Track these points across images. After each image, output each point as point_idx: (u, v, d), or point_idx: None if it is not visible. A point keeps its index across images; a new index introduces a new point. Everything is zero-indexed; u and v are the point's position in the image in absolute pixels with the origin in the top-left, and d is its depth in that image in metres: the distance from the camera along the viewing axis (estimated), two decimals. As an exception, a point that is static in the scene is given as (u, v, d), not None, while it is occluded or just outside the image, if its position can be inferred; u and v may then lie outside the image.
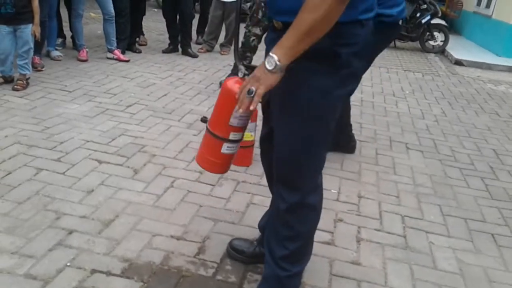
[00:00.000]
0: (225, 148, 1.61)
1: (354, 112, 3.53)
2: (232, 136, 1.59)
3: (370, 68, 3.04)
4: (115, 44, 5.29)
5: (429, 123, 4.27)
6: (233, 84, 1.52)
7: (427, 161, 3.38)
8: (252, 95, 1.36)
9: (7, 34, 3.82)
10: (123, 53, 5.40)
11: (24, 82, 3.93)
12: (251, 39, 4.04)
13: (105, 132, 3.24)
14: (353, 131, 3.39)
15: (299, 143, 1.51)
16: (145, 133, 3.32)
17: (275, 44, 1.33)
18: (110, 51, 5.27)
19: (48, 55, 4.94)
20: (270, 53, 1.32)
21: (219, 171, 1.76)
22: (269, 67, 1.32)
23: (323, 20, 1.26)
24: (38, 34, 3.94)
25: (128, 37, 5.60)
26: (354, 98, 3.41)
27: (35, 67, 4.39)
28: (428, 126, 4.19)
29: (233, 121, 1.55)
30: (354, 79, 1.55)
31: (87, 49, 5.20)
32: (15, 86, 3.86)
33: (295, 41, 1.30)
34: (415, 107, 4.76)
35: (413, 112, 4.59)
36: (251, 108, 1.39)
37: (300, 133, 1.50)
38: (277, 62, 1.31)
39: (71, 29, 5.48)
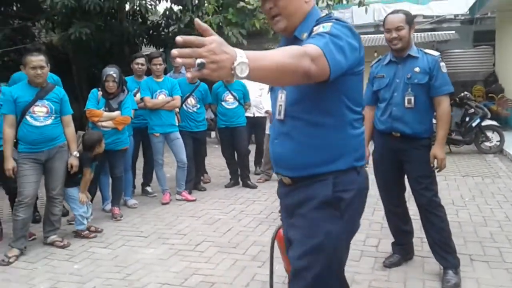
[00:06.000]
0: None
1: (413, 227, 3.63)
2: None
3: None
4: (184, 187, 5.84)
5: (492, 230, 4.21)
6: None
7: (494, 271, 3.33)
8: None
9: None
10: (189, 193, 5.92)
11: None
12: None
13: (179, 273, 3.53)
14: (415, 247, 3.67)
15: (319, 271, 1.71)
16: (213, 270, 3.57)
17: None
18: (179, 193, 5.81)
19: (125, 204, 5.54)
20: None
21: None
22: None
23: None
24: (84, 200, 4.36)
25: (194, 178, 6.16)
26: (413, 212, 3.52)
27: (115, 217, 4.94)
28: (492, 233, 4.14)
29: None
30: (359, 218, 1.82)
31: (170, 192, 5.78)
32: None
33: None
34: (477, 214, 4.72)
35: (474, 220, 4.56)
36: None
37: (320, 264, 1.71)
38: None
39: (144, 176, 6.16)
